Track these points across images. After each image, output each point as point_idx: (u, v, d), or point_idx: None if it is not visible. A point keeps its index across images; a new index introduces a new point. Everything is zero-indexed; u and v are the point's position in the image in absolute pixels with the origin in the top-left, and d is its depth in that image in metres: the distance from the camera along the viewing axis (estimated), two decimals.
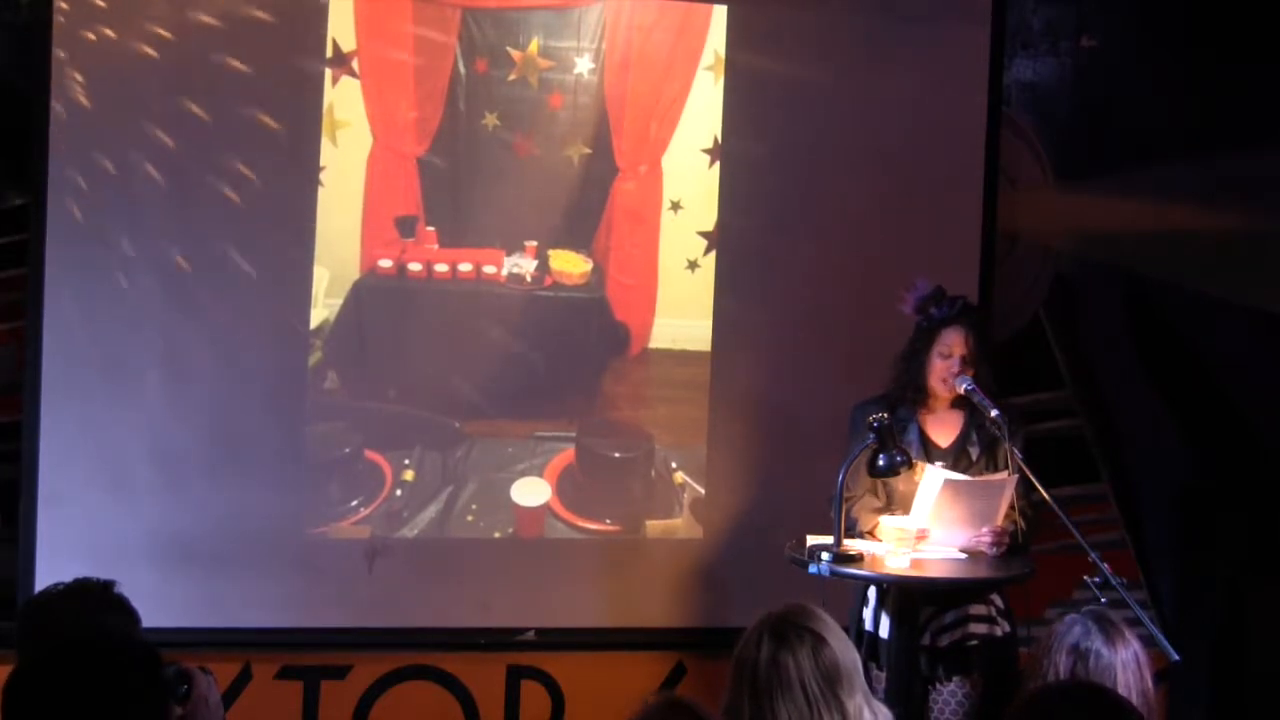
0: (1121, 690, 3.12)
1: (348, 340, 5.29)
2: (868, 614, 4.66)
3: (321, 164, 5.22)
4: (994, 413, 4.54)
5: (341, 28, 5.22)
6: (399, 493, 5.33)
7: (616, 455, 5.52)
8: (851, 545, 4.51)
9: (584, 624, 5.47)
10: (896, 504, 4.72)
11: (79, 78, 5.00)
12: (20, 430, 5.03)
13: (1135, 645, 3.27)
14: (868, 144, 5.58)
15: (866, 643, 4.57)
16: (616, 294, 5.48)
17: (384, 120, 5.28)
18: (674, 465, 5.54)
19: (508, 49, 5.34)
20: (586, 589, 5.46)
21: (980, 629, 4.61)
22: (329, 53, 5.22)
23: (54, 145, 4.98)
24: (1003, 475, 4.59)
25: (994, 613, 4.63)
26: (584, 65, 5.39)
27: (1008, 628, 4.65)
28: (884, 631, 4.61)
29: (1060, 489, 4.92)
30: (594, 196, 5.43)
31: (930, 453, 4.70)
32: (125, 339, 5.08)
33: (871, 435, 4.53)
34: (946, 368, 4.66)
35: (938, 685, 4.62)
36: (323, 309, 5.26)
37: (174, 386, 5.11)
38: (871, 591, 4.64)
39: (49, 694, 2.47)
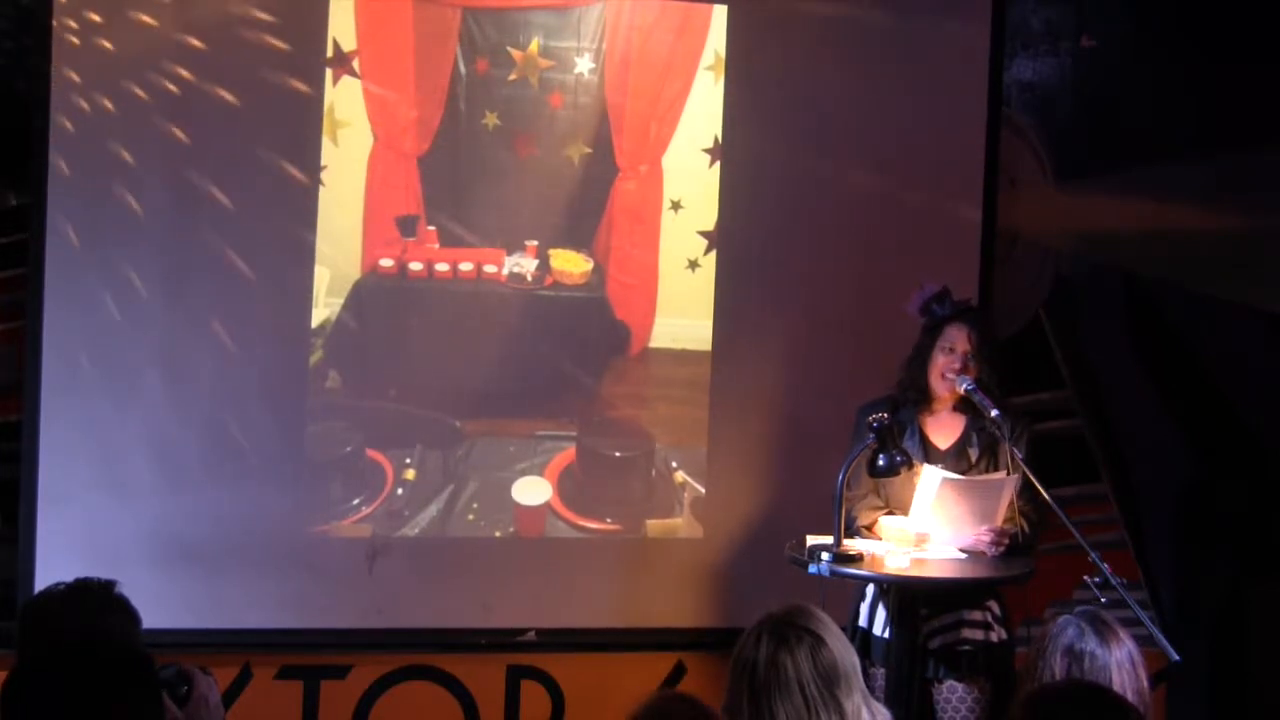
0: (1117, 690, 3.11)
1: (349, 339, 5.29)
2: (863, 609, 4.67)
3: (322, 164, 5.23)
4: (994, 413, 4.54)
5: (342, 27, 5.23)
6: (400, 492, 5.33)
7: (617, 454, 5.53)
8: (851, 545, 4.51)
9: (584, 623, 5.47)
10: (895, 510, 4.72)
11: (78, 78, 5.00)
12: (20, 430, 5.04)
13: (1130, 645, 3.27)
14: (868, 143, 5.59)
15: (859, 639, 4.58)
16: (617, 293, 5.48)
17: (385, 120, 5.28)
18: (674, 464, 5.55)
19: (508, 49, 5.35)
20: (587, 588, 5.46)
21: (976, 635, 4.61)
22: (330, 52, 5.22)
23: (54, 145, 4.99)
24: (1001, 475, 4.59)
25: (989, 619, 4.63)
26: (584, 65, 5.39)
27: (1004, 634, 4.65)
28: (877, 628, 4.62)
29: (1060, 489, 4.91)
30: (594, 196, 5.43)
31: (930, 455, 4.70)
32: (125, 339, 5.08)
33: (871, 435, 4.54)
34: (948, 363, 4.66)
35: (936, 685, 4.62)
36: (324, 308, 5.26)
37: (174, 386, 5.11)
38: (869, 588, 4.65)
39: (41, 699, 2.47)
